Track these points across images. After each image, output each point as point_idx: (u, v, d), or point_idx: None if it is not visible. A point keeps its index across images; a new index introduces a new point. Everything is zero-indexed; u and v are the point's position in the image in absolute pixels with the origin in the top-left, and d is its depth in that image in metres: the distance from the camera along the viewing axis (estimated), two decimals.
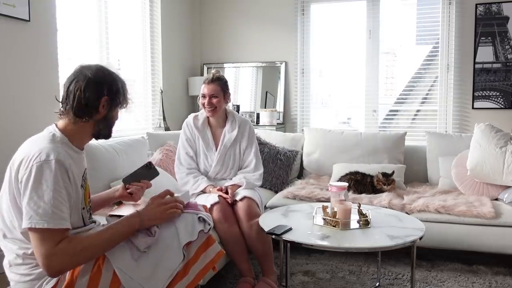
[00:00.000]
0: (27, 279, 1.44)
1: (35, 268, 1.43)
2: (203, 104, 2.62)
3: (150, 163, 1.77)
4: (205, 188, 2.56)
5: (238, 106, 4.76)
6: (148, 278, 1.45)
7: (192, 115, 2.76)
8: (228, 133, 2.66)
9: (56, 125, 1.54)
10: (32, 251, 1.37)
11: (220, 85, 2.62)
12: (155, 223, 1.53)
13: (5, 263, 1.50)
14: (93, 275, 1.41)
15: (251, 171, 2.66)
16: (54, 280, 1.40)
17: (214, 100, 2.59)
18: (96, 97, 1.50)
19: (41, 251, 1.32)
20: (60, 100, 1.56)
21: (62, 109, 1.54)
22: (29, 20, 2.81)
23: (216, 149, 2.65)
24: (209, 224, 1.62)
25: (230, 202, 2.43)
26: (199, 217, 1.61)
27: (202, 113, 2.71)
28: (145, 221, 1.51)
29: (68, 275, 1.39)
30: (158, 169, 1.84)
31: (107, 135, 1.61)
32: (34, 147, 1.44)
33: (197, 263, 1.56)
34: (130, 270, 1.43)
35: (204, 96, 2.61)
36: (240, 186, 2.57)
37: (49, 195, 1.33)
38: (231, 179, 2.67)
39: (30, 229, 1.32)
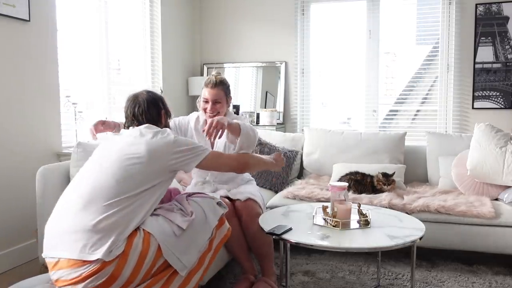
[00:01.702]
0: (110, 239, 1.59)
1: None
2: (205, 109, 2.48)
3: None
4: None
5: (238, 106, 4.76)
6: (184, 252, 1.76)
7: (195, 114, 2.62)
8: (225, 136, 2.48)
9: None
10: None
11: (224, 89, 2.47)
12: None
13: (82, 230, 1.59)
14: (144, 249, 1.64)
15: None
16: (122, 247, 1.60)
17: (218, 106, 2.45)
18: (157, 112, 1.94)
19: (232, 159, 1.97)
20: (127, 124, 1.95)
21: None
22: (29, 20, 2.82)
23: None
24: (224, 207, 2.02)
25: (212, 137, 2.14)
26: (217, 202, 1.99)
27: (202, 115, 2.59)
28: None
29: (124, 245, 1.60)
30: None
31: None
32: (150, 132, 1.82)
33: (216, 238, 1.93)
34: (171, 245, 1.72)
35: (206, 101, 2.46)
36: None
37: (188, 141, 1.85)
38: (227, 185, 2.57)
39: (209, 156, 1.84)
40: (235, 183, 2.62)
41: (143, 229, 1.69)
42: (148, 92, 1.98)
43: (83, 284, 1.56)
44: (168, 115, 2.01)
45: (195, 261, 1.81)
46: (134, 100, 1.94)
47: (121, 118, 2.07)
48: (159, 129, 1.85)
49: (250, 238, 2.36)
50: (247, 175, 2.72)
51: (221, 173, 2.58)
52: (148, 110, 1.91)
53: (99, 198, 1.63)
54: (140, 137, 1.77)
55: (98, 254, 1.55)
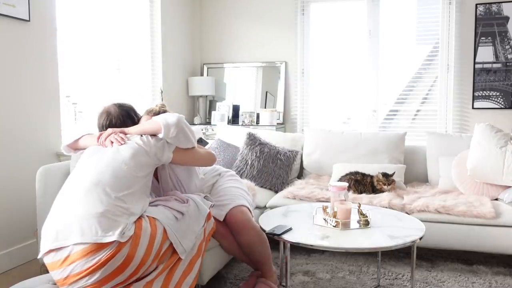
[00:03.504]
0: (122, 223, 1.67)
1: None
2: None
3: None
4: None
5: (238, 106, 4.76)
6: (183, 236, 1.88)
7: None
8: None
9: None
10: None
11: None
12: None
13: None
14: (152, 231, 1.74)
15: None
16: (132, 229, 1.68)
17: None
18: (133, 121, 2.12)
19: (205, 152, 2.13)
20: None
21: None
22: (29, 20, 2.82)
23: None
24: (211, 201, 2.16)
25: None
26: (204, 197, 2.13)
27: None
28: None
29: (136, 228, 1.69)
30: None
31: None
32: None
33: (207, 228, 2.06)
34: (174, 229, 1.84)
35: None
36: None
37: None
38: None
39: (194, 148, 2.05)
40: (207, 188, 2.45)
41: (147, 216, 1.78)
42: (119, 106, 2.14)
43: (101, 270, 1.58)
44: (139, 119, 2.18)
45: (191, 246, 1.92)
46: (108, 115, 2.09)
47: None
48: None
49: (244, 248, 2.28)
50: (210, 177, 2.48)
51: (188, 186, 2.33)
52: (125, 122, 2.09)
53: (104, 187, 1.71)
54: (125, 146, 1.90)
55: (113, 236, 1.60)
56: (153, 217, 1.79)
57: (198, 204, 2.02)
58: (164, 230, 1.79)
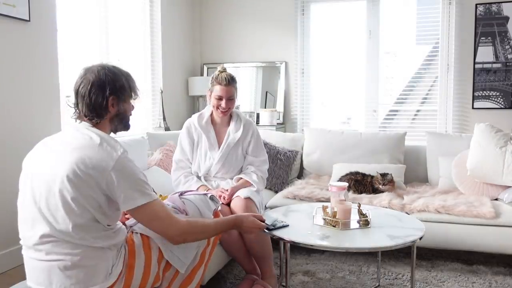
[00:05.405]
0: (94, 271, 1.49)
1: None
2: (218, 106, 2.50)
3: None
4: (197, 189, 2.47)
5: (238, 106, 4.75)
6: (182, 250, 1.72)
7: (196, 114, 2.64)
8: (232, 133, 2.57)
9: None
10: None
11: (235, 86, 2.54)
12: (241, 230, 1.92)
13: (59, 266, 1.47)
14: (146, 255, 1.61)
15: (261, 163, 2.63)
16: (120, 265, 1.53)
17: (231, 102, 2.51)
18: (101, 99, 1.54)
19: (166, 222, 1.55)
20: (73, 105, 1.61)
21: (77, 113, 1.60)
22: (29, 20, 2.82)
23: (219, 148, 2.56)
24: (217, 202, 1.98)
25: (225, 202, 2.36)
26: (210, 197, 1.94)
27: (206, 111, 2.62)
28: (237, 226, 1.86)
29: (128, 257, 1.56)
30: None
31: (124, 127, 1.68)
32: (93, 153, 1.47)
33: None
34: (170, 245, 1.65)
35: (220, 98, 2.49)
36: (239, 188, 2.47)
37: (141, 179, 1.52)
38: (231, 178, 2.58)
39: (147, 204, 1.50)
40: (238, 172, 2.63)
41: (141, 234, 1.64)
42: (102, 69, 1.57)
43: None
44: (121, 100, 1.60)
45: (193, 256, 1.80)
46: (83, 77, 1.56)
47: None
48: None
49: (248, 240, 2.32)
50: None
51: (224, 168, 2.56)
52: (89, 95, 1.53)
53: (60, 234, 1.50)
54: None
55: (96, 286, 1.47)
56: (147, 236, 1.63)
57: (200, 210, 1.86)
58: (159, 249, 1.66)
